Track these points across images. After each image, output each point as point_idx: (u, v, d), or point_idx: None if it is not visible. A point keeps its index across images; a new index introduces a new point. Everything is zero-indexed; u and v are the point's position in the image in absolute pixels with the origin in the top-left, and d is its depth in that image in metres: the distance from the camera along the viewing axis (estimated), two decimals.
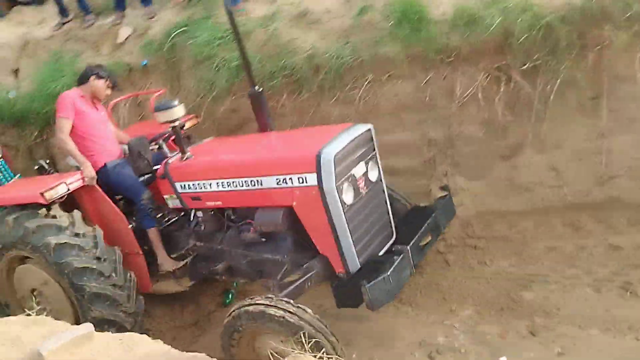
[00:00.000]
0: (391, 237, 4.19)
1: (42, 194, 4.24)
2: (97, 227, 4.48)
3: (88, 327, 3.10)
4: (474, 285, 4.73)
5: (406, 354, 4.19)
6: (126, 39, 7.00)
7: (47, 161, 5.52)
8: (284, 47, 5.72)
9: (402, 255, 3.69)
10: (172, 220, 4.91)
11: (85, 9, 7.62)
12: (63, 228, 4.33)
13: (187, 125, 5.19)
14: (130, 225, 4.73)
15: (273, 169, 3.85)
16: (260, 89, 4.63)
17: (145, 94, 6.34)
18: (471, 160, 5.20)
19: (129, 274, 4.49)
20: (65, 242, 4.25)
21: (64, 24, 7.80)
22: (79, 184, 4.51)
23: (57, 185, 4.34)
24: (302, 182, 3.70)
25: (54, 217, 4.42)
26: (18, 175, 6.54)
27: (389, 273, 3.50)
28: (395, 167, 5.27)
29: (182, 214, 4.80)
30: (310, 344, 3.07)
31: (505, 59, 4.84)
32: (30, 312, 3.80)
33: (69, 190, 4.43)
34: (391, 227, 4.21)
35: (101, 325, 4.08)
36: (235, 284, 5.48)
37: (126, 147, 4.96)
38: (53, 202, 4.39)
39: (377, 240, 4.04)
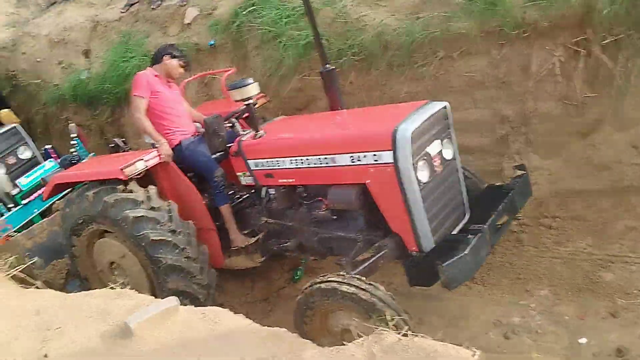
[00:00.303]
0: (464, 217, 4.11)
1: (122, 169, 4.38)
2: (171, 201, 4.59)
3: (173, 300, 3.20)
4: (550, 265, 4.61)
5: (481, 333, 4.13)
6: (193, 19, 7.08)
7: (123, 140, 5.67)
8: (352, 24, 5.66)
9: (479, 235, 3.61)
10: (244, 197, 4.98)
11: None
12: (139, 202, 4.46)
13: (259, 103, 5.22)
14: (204, 202, 4.81)
15: (347, 147, 3.81)
16: (332, 67, 4.62)
17: (215, 73, 6.41)
18: (546, 138, 5.03)
19: (201, 247, 4.60)
20: (142, 216, 4.38)
21: (131, 5, 7.95)
22: (156, 160, 4.64)
23: (135, 162, 4.48)
24: (377, 160, 3.66)
25: (131, 191, 4.54)
26: (92, 153, 6.78)
27: (466, 252, 3.44)
28: (466, 145, 5.15)
29: (253, 191, 4.84)
30: (393, 322, 3.06)
31: (585, 34, 4.64)
32: (113, 286, 3.95)
33: (146, 166, 4.56)
34: (464, 206, 4.14)
35: (176, 296, 4.18)
36: (304, 261, 5.52)
37: (199, 124, 5.06)
38: (130, 178, 4.52)
39: (450, 219, 3.97)
